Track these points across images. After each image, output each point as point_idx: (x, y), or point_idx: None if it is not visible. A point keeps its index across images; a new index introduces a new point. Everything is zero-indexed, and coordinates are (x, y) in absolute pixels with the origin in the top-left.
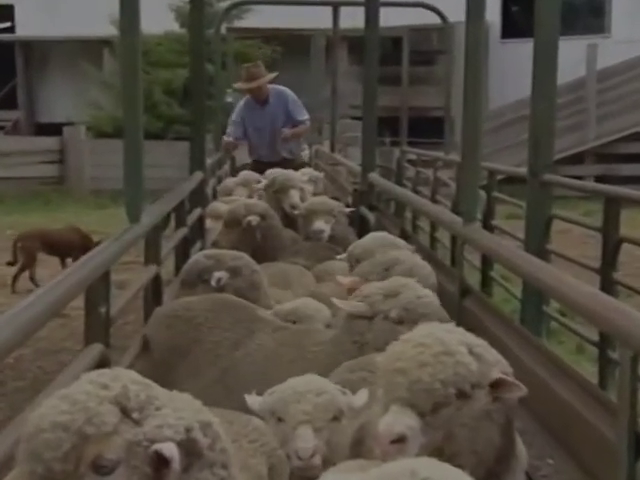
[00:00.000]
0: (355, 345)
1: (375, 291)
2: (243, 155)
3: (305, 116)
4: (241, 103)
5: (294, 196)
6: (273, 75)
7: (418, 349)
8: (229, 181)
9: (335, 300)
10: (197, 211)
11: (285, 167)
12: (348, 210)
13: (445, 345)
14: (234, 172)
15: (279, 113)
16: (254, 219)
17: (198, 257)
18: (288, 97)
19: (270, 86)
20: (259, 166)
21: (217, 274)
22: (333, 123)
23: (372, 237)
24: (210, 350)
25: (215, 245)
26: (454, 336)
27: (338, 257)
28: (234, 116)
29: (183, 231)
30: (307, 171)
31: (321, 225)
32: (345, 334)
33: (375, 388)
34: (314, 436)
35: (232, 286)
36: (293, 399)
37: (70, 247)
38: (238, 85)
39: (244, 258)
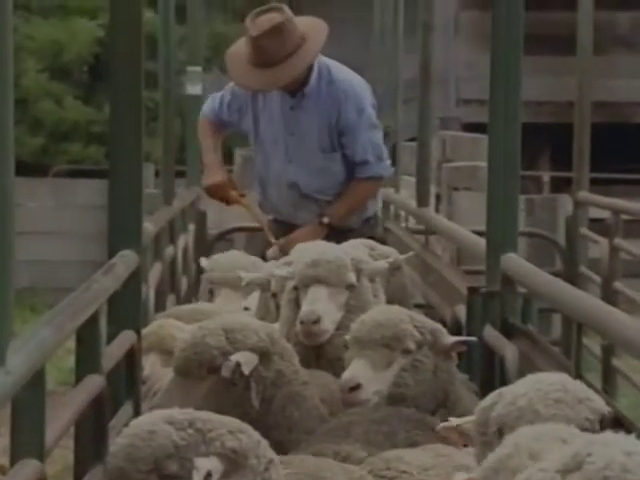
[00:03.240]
0: None
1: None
2: (228, 215)
3: (372, 155)
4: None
5: (312, 301)
6: (318, 44)
7: None
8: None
9: None
10: (126, 338)
11: (338, 240)
12: (455, 341)
13: None
14: (203, 248)
15: (324, 124)
16: (245, 362)
17: (157, 424)
18: (349, 95)
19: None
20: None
21: (201, 464)
22: (423, 138)
23: (536, 382)
24: None
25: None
26: None
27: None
28: (230, 92)
29: (95, 383)
30: (386, 251)
31: (354, 376)
32: None
33: None
34: None
35: None
36: None
37: None
38: (234, 79)
39: (249, 432)
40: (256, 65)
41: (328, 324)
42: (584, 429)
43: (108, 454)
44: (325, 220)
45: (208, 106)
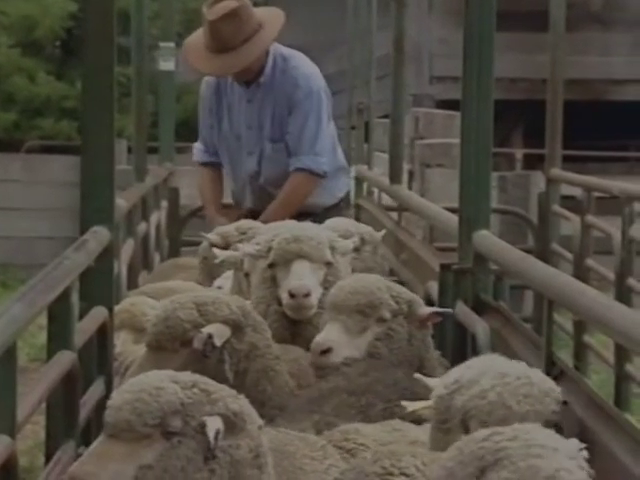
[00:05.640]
0: None
1: None
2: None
3: (307, 144)
4: (208, 79)
5: (299, 275)
6: (274, 31)
7: None
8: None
9: None
10: (98, 315)
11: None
12: (430, 311)
13: None
14: (176, 225)
15: (276, 114)
16: (217, 334)
17: (163, 381)
18: (299, 80)
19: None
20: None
21: (212, 423)
22: (396, 115)
23: (502, 375)
24: None
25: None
26: None
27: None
28: (201, 105)
29: (66, 360)
30: (352, 226)
31: (326, 339)
32: None
33: None
34: None
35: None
36: None
37: None
38: (191, 65)
39: (241, 401)
40: (213, 50)
41: (315, 299)
42: (549, 422)
43: (109, 408)
44: None
45: (196, 151)
